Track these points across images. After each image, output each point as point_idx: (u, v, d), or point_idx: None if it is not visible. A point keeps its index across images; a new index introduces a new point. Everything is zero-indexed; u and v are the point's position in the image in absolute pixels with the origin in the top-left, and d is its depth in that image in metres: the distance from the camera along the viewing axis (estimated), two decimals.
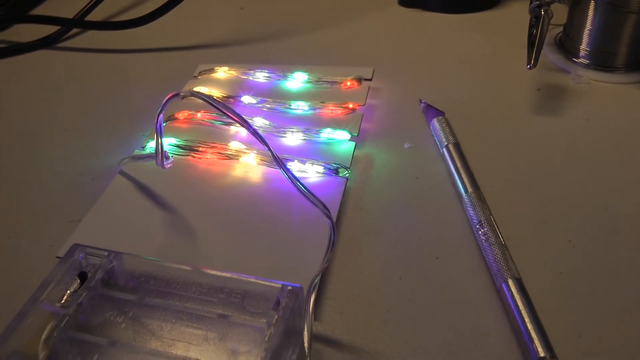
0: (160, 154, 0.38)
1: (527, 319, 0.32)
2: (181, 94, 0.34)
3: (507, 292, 0.33)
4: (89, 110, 0.52)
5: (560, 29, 0.57)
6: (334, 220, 0.38)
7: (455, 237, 0.38)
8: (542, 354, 0.30)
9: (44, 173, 0.45)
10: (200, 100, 0.35)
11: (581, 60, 0.53)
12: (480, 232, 0.37)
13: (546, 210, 0.40)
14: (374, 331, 0.33)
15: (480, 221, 0.37)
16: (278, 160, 0.34)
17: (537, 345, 0.31)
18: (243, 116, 0.46)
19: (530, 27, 0.50)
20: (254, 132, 0.33)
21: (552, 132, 0.46)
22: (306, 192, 0.34)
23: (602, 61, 0.53)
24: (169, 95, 0.35)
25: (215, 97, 0.48)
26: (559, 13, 0.54)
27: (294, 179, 0.34)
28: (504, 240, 0.36)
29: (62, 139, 0.49)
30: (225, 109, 0.33)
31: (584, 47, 0.53)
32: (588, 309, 0.34)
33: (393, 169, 0.44)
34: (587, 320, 0.33)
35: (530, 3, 0.51)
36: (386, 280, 0.36)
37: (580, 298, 0.34)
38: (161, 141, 0.37)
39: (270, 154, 0.35)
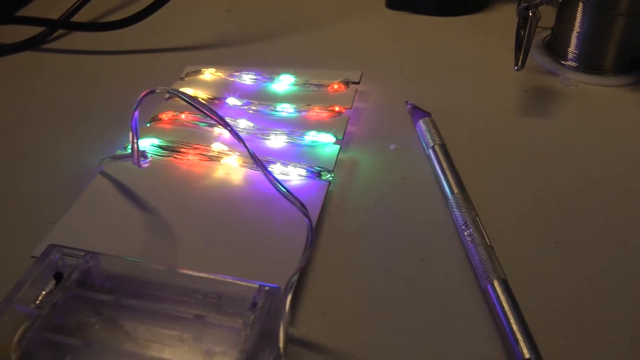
0: (136, 153, 0.37)
1: (512, 320, 0.31)
2: (157, 91, 0.34)
3: (492, 293, 0.33)
4: (74, 112, 0.51)
5: (549, 31, 0.56)
6: (315, 221, 0.37)
7: (441, 238, 0.38)
8: (527, 356, 0.29)
9: (26, 173, 0.45)
10: (184, 102, 0.35)
11: (569, 62, 0.53)
12: (466, 233, 0.36)
13: (533, 211, 0.39)
14: (357, 333, 0.32)
15: (466, 222, 0.37)
16: (255, 158, 0.33)
17: (522, 346, 0.30)
18: (226, 118, 0.46)
19: (518, 28, 0.50)
20: (230, 129, 0.33)
21: (540, 134, 0.46)
22: (283, 191, 0.33)
23: (590, 64, 0.52)
24: (144, 92, 0.35)
25: (197, 98, 0.48)
26: (547, 16, 0.53)
27: (272, 178, 0.34)
28: (489, 241, 0.36)
29: (45, 140, 0.48)
30: (203, 107, 0.32)
31: (572, 49, 0.53)
32: (575, 310, 0.33)
33: (379, 170, 0.43)
34: (574, 322, 0.32)
35: (518, 5, 0.51)
36: (370, 282, 0.35)
37: (567, 299, 0.34)
38: (137, 139, 0.36)
39: (252, 157, 0.34)
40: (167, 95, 0.50)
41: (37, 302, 0.31)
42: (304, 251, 0.32)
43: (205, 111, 0.32)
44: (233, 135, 0.33)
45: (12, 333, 0.29)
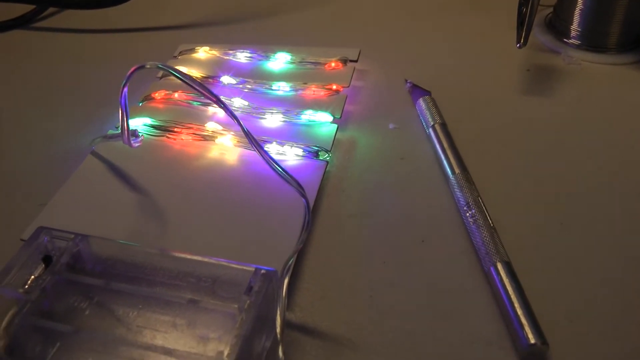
0: (126, 132, 0.36)
1: (516, 304, 0.30)
2: (147, 66, 0.32)
3: (495, 276, 0.32)
4: (65, 91, 0.50)
5: (551, 9, 0.55)
6: (312, 202, 0.36)
7: (442, 220, 0.37)
8: (532, 341, 0.29)
9: (16, 154, 0.44)
10: (178, 80, 0.34)
11: (572, 40, 0.52)
12: (468, 214, 0.35)
13: (537, 192, 0.38)
14: (356, 317, 0.31)
15: (468, 203, 0.36)
16: (250, 137, 0.32)
17: (527, 331, 0.29)
18: (220, 96, 0.45)
19: (520, 5, 0.49)
20: (224, 106, 0.32)
21: (542, 113, 0.45)
22: (280, 171, 0.32)
23: (593, 42, 0.51)
24: (133, 68, 0.33)
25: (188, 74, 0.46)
26: None
27: (267, 158, 0.32)
28: (492, 223, 0.35)
29: (36, 120, 0.47)
30: (195, 83, 0.31)
31: (575, 27, 0.51)
32: (580, 293, 0.32)
33: (377, 150, 0.42)
34: (579, 306, 0.32)
35: None
36: (369, 265, 0.34)
37: (571, 282, 0.33)
38: (126, 117, 0.35)
39: (246, 134, 0.33)
40: (160, 74, 0.49)
41: (26, 286, 0.30)
42: (300, 233, 0.31)
43: (197, 87, 0.31)
44: (226, 112, 0.32)
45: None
